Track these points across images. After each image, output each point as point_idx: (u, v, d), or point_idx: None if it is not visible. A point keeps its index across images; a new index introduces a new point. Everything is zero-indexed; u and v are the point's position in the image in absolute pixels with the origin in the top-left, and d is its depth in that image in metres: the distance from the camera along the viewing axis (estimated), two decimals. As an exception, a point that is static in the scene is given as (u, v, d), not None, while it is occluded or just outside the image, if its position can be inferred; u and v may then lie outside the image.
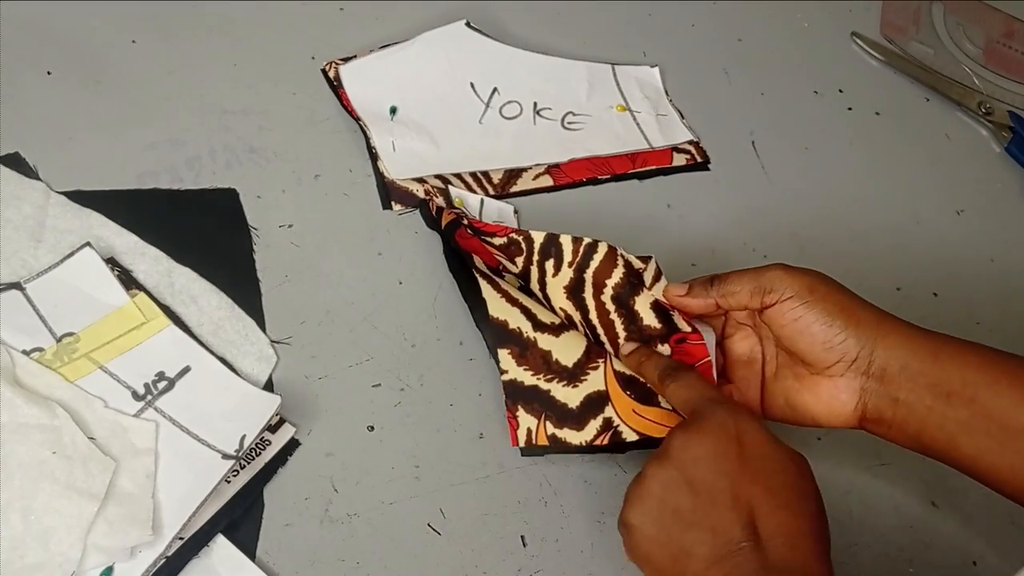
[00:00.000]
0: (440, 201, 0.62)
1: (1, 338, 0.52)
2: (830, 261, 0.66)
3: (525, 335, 0.54)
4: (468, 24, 0.71)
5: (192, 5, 0.70)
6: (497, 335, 0.54)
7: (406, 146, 0.65)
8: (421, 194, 0.63)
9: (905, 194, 0.71)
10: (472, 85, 0.69)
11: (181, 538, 0.48)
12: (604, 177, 0.67)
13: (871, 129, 0.75)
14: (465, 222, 0.59)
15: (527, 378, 0.54)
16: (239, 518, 0.50)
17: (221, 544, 0.49)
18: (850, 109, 0.75)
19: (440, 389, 0.56)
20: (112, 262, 0.57)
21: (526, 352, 0.54)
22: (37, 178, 0.59)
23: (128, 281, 0.56)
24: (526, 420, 0.53)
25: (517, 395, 0.54)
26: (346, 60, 0.68)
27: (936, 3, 0.83)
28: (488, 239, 0.58)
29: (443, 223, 0.60)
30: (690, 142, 0.70)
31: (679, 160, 0.69)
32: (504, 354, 0.54)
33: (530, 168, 0.66)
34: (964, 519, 0.57)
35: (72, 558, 0.46)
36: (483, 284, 0.56)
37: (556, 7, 0.76)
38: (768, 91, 0.75)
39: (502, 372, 0.54)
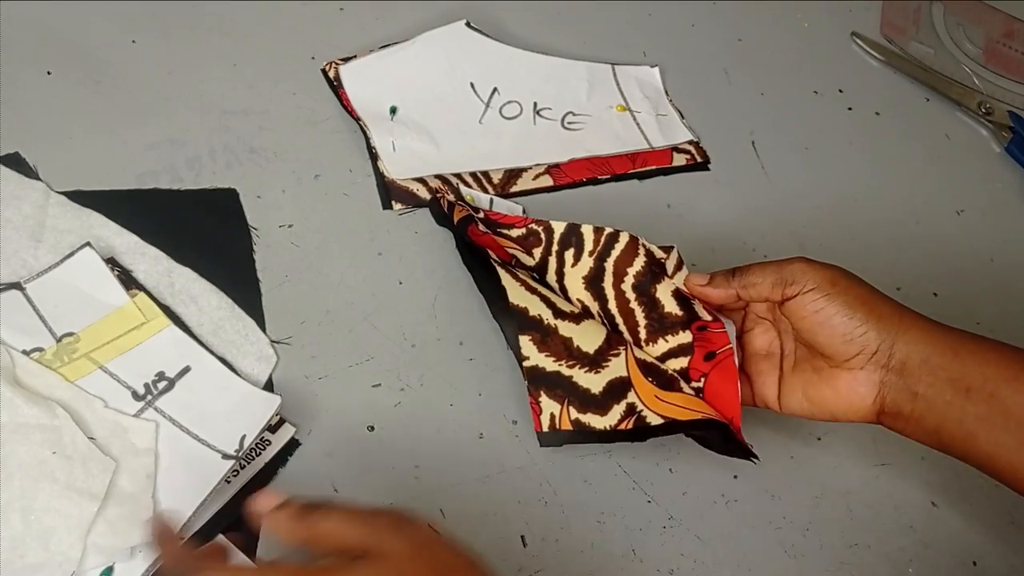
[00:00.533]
0: (451, 197, 0.61)
1: (1, 338, 0.52)
2: (830, 260, 0.66)
3: (546, 322, 0.54)
4: (468, 24, 0.71)
5: (192, 5, 0.70)
6: (518, 322, 0.54)
7: (406, 146, 0.65)
8: (423, 194, 0.63)
9: (905, 194, 0.71)
10: (472, 85, 0.69)
11: (181, 538, 0.48)
12: (604, 177, 0.67)
13: (871, 129, 0.75)
14: (481, 215, 0.59)
15: (549, 364, 0.54)
16: (239, 518, 0.50)
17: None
18: (850, 109, 0.75)
19: (440, 389, 0.56)
20: (112, 262, 0.57)
21: (547, 339, 0.54)
22: (37, 178, 0.59)
23: (128, 281, 0.56)
24: (549, 405, 0.53)
25: (539, 381, 0.53)
26: (346, 60, 0.68)
27: (936, 3, 0.83)
28: (505, 231, 0.58)
29: (455, 219, 0.59)
30: (690, 142, 0.70)
31: (679, 160, 0.69)
32: (525, 340, 0.54)
33: (530, 168, 0.66)
34: (964, 519, 0.57)
35: (72, 558, 0.46)
36: (502, 272, 0.56)
37: (556, 7, 0.76)
38: (768, 91, 0.75)
39: (523, 359, 0.54)
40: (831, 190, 0.70)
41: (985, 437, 0.47)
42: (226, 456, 0.50)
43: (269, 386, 0.55)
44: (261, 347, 0.56)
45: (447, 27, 0.70)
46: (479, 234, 0.58)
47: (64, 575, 0.46)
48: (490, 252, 0.58)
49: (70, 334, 0.53)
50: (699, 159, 0.70)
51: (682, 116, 0.71)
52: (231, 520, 0.50)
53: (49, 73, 0.64)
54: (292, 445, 0.53)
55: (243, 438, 0.51)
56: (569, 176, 0.66)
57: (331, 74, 0.68)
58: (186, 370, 0.54)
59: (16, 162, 0.60)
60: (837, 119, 0.75)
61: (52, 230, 0.57)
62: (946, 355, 0.48)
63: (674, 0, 0.79)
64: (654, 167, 0.68)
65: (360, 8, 0.73)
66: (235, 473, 0.51)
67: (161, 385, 0.53)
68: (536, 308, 0.54)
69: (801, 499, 0.56)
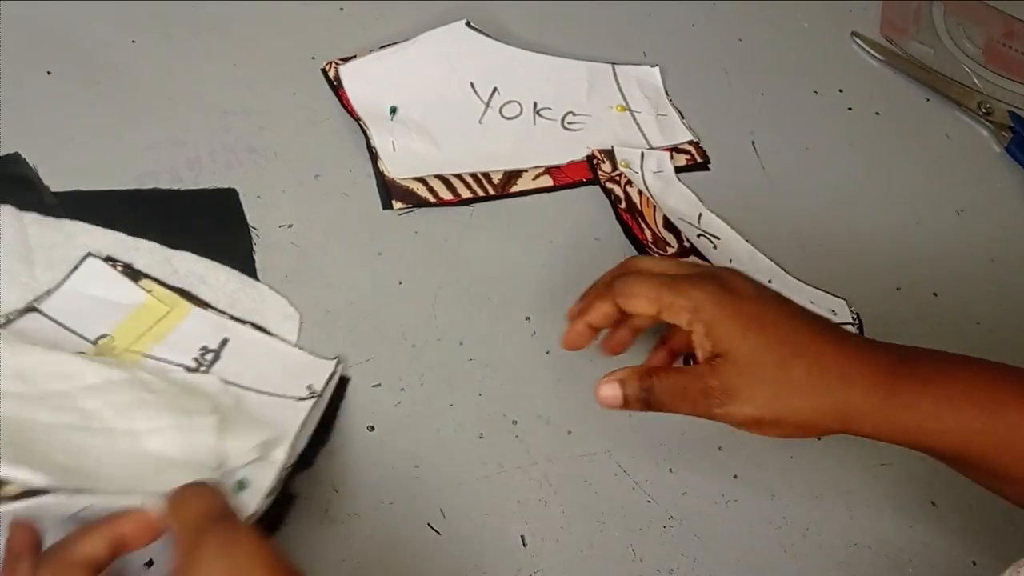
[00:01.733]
0: (618, 192, 0.65)
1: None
2: (830, 261, 0.66)
3: None
4: (468, 24, 0.71)
5: (192, 5, 0.70)
6: None
7: (406, 146, 0.65)
8: (423, 193, 0.63)
9: (905, 194, 0.71)
10: (472, 85, 0.69)
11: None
12: (604, 177, 0.67)
13: (871, 129, 0.75)
14: (622, 205, 0.65)
15: None
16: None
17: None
18: (850, 109, 0.75)
19: (440, 389, 0.56)
20: (112, 260, 0.56)
21: None
22: (37, 178, 0.59)
23: (135, 275, 0.56)
24: None
25: None
26: (346, 60, 0.68)
27: (936, 3, 0.83)
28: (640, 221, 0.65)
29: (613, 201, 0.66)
30: (690, 142, 0.70)
31: (679, 160, 0.69)
32: None
33: (530, 168, 0.66)
34: (964, 519, 0.57)
35: (207, 463, 0.47)
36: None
37: (556, 7, 0.76)
38: (768, 91, 0.75)
39: None
40: (831, 190, 0.70)
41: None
42: (301, 399, 0.52)
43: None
44: (282, 307, 0.57)
45: (447, 27, 0.70)
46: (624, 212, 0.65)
47: (204, 475, 0.46)
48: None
49: (104, 336, 0.53)
50: (699, 159, 0.70)
51: (682, 116, 0.71)
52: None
53: (49, 73, 0.64)
54: (344, 382, 0.55)
55: (310, 386, 0.53)
56: (569, 176, 0.66)
57: (331, 74, 0.68)
58: (226, 341, 0.54)
59: (16, 162, 0.59)
60: (837, 119, 0.75)
61: (38, 248, 0.56)
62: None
63: (674, 0, 0.79)
64: (654, 167, 0.68)
65: (360, 8, 0.73)
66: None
67: (209, 356, 0.53)
68: None
69: (801, 499, 0.56)
